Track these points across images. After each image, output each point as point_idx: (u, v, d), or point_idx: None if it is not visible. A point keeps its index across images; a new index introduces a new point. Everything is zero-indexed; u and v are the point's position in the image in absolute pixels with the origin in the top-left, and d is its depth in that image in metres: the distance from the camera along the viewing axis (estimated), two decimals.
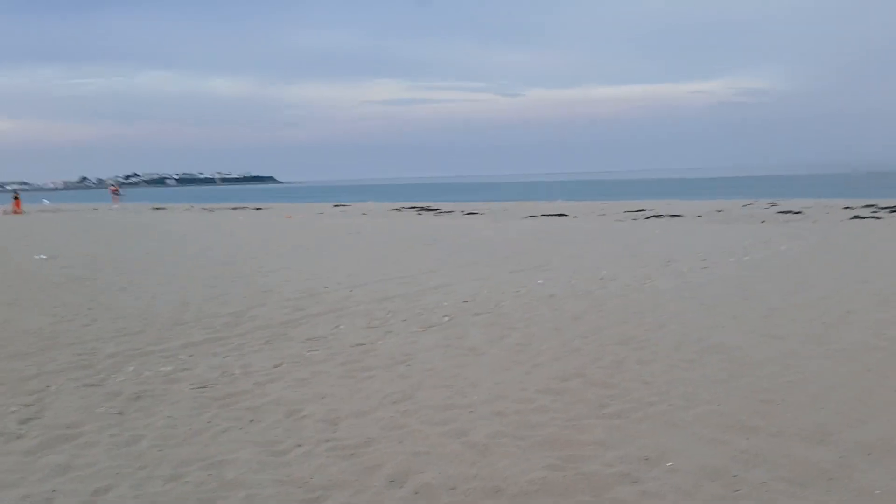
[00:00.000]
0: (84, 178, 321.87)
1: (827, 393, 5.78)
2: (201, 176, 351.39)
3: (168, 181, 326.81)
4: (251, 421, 5.60)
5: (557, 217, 30.27)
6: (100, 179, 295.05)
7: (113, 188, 66.68)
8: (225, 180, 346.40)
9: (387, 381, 6.50)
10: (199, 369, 7.13)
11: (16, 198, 48.34)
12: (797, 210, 28.34)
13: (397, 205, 46.16)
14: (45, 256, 17.80)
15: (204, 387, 6.51)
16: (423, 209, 39.68)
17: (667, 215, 28.42)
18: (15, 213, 45.66)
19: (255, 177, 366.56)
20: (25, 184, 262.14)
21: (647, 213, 29.83)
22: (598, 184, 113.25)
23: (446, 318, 9.28)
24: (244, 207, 50.67)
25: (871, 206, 29.17)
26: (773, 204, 33.34)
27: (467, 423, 5.39)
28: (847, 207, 28.82)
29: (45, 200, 70.75)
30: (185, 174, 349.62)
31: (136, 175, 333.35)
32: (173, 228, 29.83)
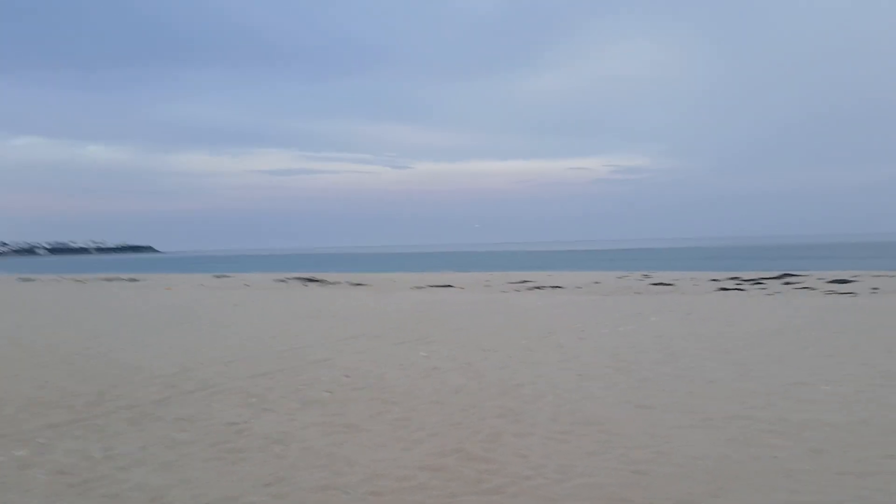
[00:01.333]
0: None
1: (693, 463, 6.00)
2: (74, 245, 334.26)
3: (38, 250, 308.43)
4: None
5: (444, 288, 30.57)
6: None
7: None
8: (100, 250, 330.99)
9: (259, 463, 6.25)
10: (56, 453, 6.63)
11: None
12: (668, 282, 29.87)
13: (283, 275, 45.35)
14: None
15: (60, 472, 6.06)
16: (308, 280, 39.16)
17: (548, 287, 29.28)
18: None
19: (132, 246, 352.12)
20: None
21: (530, 285, 30.64)
22: (485, 255, 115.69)
23: (326, 394, 9.08)
24: (119, 278, 48.39)
25: (736, 278, 31.18)
26: (646, 276, 35.01)
27: None
28: (713, 280, 30.64)
29: None
30: (57, 243, 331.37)
31: (4, 244, 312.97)
32: (38, 300, 28.02)
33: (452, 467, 6.03)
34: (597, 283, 31.32)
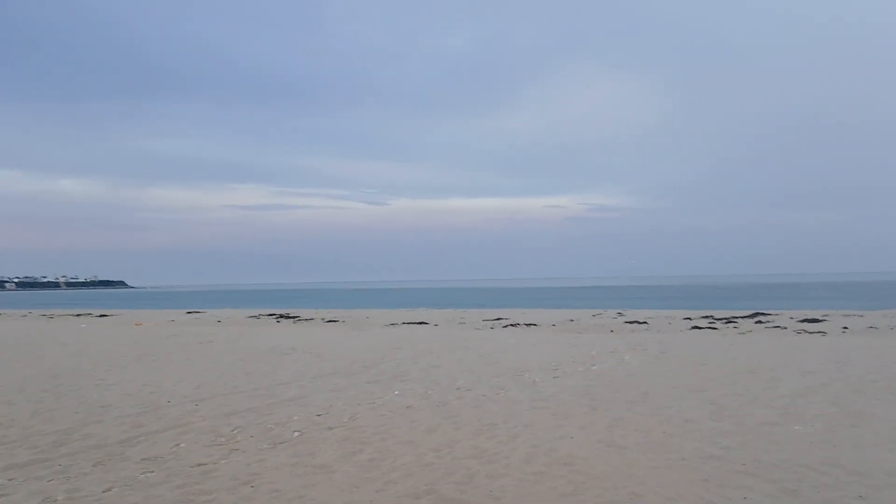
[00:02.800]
0: None
1: (667, 503, 5.96)
2: (44, 279, 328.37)
3: (7, 285, 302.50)
4: None
5: (418, 325, 30.44)
6: None
7: None
8: (70, 284, 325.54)
9: None
10: (18, 495, 6.44)
11: None
12: (642, 320, 30.01)
13: (256, 312, 44.96)
14: None
15: None
16: (282, 316, 38.82)
17: (523, 324, 29.28)
18: None
19: (103, 281, 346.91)
20: None
21: (505, 322, 30.62)
22: (460, 291, 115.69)
23: (297, 434, 8.94)
24: (89, 314, 47.61)
25: (709, 316, 31.43)
26: (620, 314, 35.18)
27: None
28: (687, 318, 30.85)
29: None
30: (26, 277, 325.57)
31: None
32: (5, 337, 27.42)
33: None
34: (571, 320, 31.39)
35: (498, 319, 32.49)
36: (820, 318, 28.62)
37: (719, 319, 29.65)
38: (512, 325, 29.30)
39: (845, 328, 24.43)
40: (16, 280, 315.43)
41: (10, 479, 6.94)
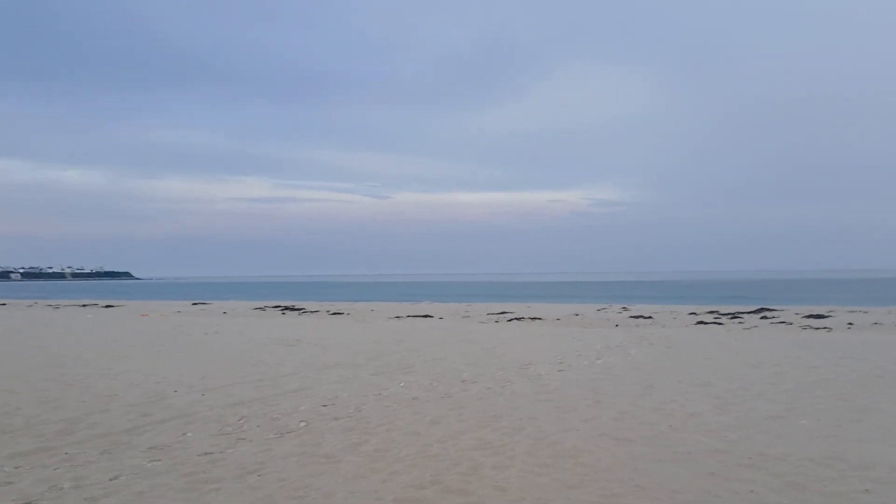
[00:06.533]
0: None
1: (671, 497, 5.97)
2: (49, 270, 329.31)
3: (12, 275, 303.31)
4: None
5: (423, 318, 30.48)
6: None
7: None
8: (76, 275, 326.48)
9: (234, 494, 6.13)
10: (24, 483, 6.46)
11: None
12: (647, 315, 29.99)
13: (261, 303, 45.06)
14: None
15: (28, 503, 5.89)
16: (287, 308, 38.92)
17: (527, 318, 29.28)
18: None
19: (109, 272, 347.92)
20: None
21: (509, 316, 30.63)
22: (464, 285, 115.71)
23: (303, 424, 8.97)
24: (94, 304, 47.78)
25: (714, 312, 31.40)
26: (625, 309, 35.17)
27: None
28: (692, 313, 30.82)
29: None
30: (31, 268, 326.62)
31: None
32: (10, 327, 27.56)
33: (430, 499, 5.95)
34: (576, 314, 31.38)
35: (502, 313, 32.50)
36: (825, 314, 28.56)
37: (724, 315, 29.61)
38: (516, 318, 29.31)
39: (850, 324, 24.39)
40: (21, 270, 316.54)
41: (16, 467, 6.98)
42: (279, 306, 40.98)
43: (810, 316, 27.95)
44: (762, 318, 28.21)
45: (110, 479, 6.58)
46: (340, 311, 35.73)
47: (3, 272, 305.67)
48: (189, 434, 8.44)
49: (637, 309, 34.62)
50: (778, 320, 26.69)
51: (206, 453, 7.54)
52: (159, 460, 7.26)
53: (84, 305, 46.61)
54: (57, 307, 44.94)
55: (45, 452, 7.58)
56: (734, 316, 29.04)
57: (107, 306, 45.05)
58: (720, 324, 25.84)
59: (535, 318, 29.10)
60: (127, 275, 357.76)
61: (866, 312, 29.88)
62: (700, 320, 27.19)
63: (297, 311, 36.78)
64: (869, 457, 7.18)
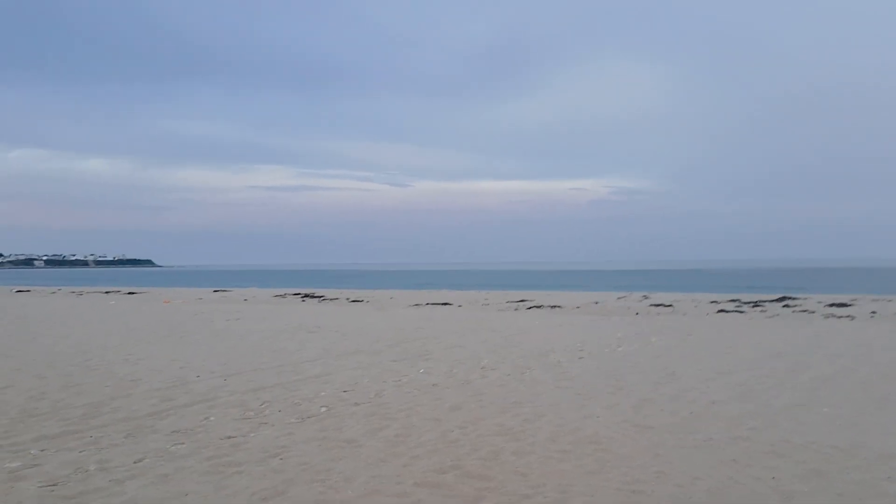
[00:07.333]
0: None
1: (693, 483, 5.95)
2: (73, 258, 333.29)
3: (36, 262, 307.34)
4: None
5: (442, 306, 30.50)
6: None
7: None
8: (99, 263, 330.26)
9: (257, 477, 6.19)
10: (50, 465, 6.56)
11: None
12: (668, 303, 29.81)
13: (281, 291, 45.31)
14: None
15: (54, 485, 5.99)
16: (307, 296, 39.11)
17: (547, 306, 29.21)
18: None
19: (131, 260, 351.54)
20: None
21: (529, 304, 30.57)
22: (484, 273, 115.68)
23: (324, 409, 9.03)
24: (117, 291, 48.31)
25: (735, 300, 31.12)
26: (646, 297, 34.96)
27: None
28: (714, 302, 30.58)
29: None
30: (55, 255, 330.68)
31: (2, 255, 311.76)
32: (35, 313, 27.95)
33: (451, 484, 5.98)
34: (596, 303, 31.26)
35: (522, 301, 32.45)
36: (848, 303, 28.24)
37: (746, 303, 29.35)
38: (536, 307, 29.26)
39: (874, 313, 24.10)
40: (45, 258, 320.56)
41: (42, 450, 7.08)
42: (299, 294, 41.21)
43: (833, 304, 27.65)
44: (784, 306, 27.95)
45: (134, 462, 6.67)
46: (360, 299, 35.86)
47: (27, 259, 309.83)
48: (211, 418, 8.53)
49: (657, 297, 34.41)
50: (800, 308, 26.43)
51: (228, 437, 7.61)
52: (182, 444, 7.35)
53: (107, 292, 47.14)
54: (80, 294, 45.49)
55: (71, 436, 7.69)
56: (756, 304, 28.78)
57: (129, 293, 45.53)
58: (742, 312, 25.63)
59: (555, 307, 29.03)
60: (149, 262, 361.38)
61: (890, 301, 29.50)
62: (721, 308, 26.98)
63: (316, 299, 36.96)
64: (891, 445, 7.11)
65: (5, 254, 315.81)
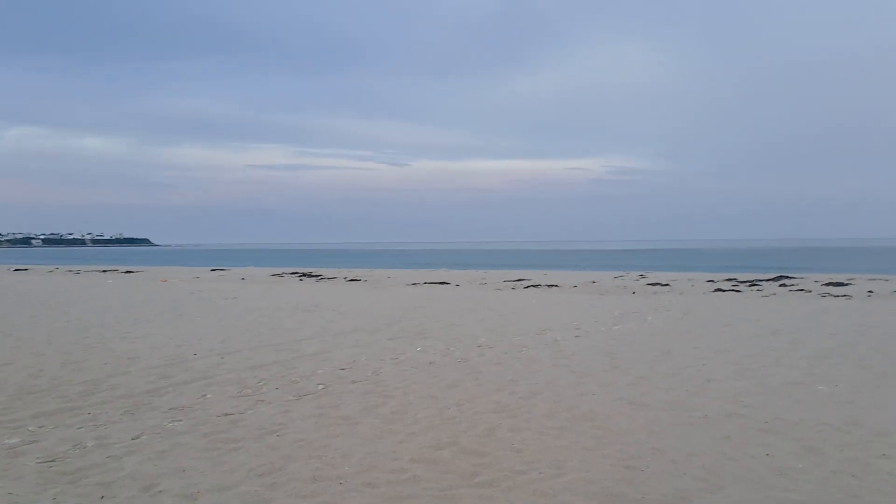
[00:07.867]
0: None
1: (688, 460, 5.99)
2: (70, 236, 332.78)
3: (34, 241, 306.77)
4: (102, 497, 5.19)
5: (440, 285, 30.53)
6: None
7: None
8: (96, 241, 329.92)
9: (254, 453, 6.22)
10: (48, 441, 6.59)
11: None
12: (665, 282, 29.84)
13: (279, 270, 45.30)
14: None
15: (52, 460, 6.02)
16: (304, 275, 39.11)
17: (544, 285, 29.25)
18: None
19: (128, 238, 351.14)
20: None
21: (526, 283, 30.59)
22: (481, 253, 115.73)
23: (321, 387, 9.06)
24: (115, 270, 48.27)
25: (732, 279, 31.16)
26: (642, 276, 34.99)
27: (336, 496, 5.21)
28: (710, 281, 30.63)
29: None
30: (52, 234, 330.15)
31: None
32: (33, 291, 27.93)
33: (447, 460, 6.01)
34: (593, 282, 31.30)
35: (519, 280, 32.47)
36: (845, 282, 28.29)
37: (742, 282, 29.38)
38: (533, 286, 29.28)
39: (871, 292, 24.15)
40: (42, 237, 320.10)
41: (40, 427, 7.11)
42: (297, 273, 41.20)
43: (830, 284, 27.69)
44: (781, 285, 27.99)
45: (132, 439, 6.69)
46: (357, 278, 35.87)
47: (24, 238, 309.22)
48: (209, 395, 8.56)
49: (654, 276, 34.43)
50: (797, 288, 26.48)
51: (225, 414, 7.64)
52: (180, 420, 7.37)
53: (104, 271, 47.10)
54: (78, 273, 45.44)
55: (69, 412, 7.72)
56: (752, 283, 28.81)
57: (127, 272, 45.50)
58: (738, 291, 25.67)
59: (552, 286, 29.06)
60: (146, 241, 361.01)
61: (887, 280, 29.55)
62: (718, 287, 27.01)
63: (314, 278, 36.96)
64: (887, 422, 7.15)
65: (3, 233, 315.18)
